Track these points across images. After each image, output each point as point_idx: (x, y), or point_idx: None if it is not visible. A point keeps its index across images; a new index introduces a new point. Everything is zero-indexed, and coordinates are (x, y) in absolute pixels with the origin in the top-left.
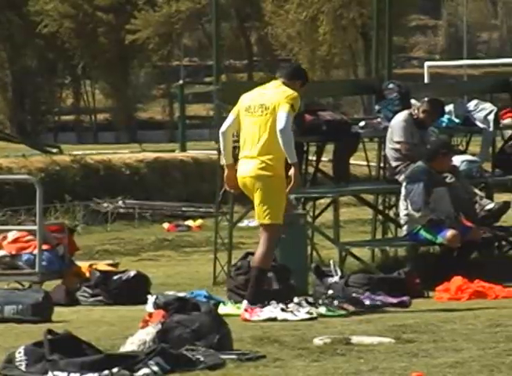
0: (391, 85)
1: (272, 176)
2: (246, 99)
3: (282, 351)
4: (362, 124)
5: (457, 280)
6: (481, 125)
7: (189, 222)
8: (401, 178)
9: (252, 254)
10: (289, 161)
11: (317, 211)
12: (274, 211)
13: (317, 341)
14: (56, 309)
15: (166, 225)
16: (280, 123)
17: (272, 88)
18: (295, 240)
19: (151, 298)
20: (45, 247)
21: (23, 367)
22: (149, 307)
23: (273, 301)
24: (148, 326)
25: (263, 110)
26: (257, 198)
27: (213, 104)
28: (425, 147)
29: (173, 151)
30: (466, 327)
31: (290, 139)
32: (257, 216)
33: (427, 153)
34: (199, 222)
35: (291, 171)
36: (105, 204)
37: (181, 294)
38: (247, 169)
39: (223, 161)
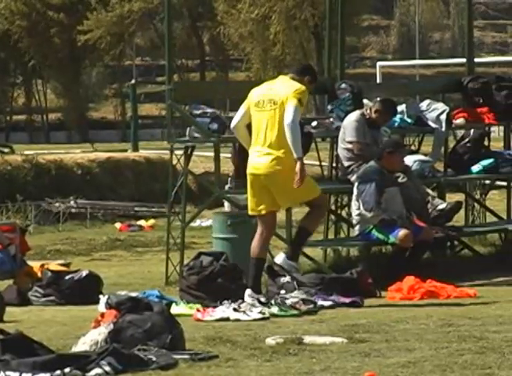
0: (343, 85)
1: (285, 170)
2: (256, 94)
3: (234, 351)
4: (314, 123)
5: (409, 280)
6: (433, 125)
7: (142, 222)
8: (353, 178)
9: (205, 254)
10: (294, 156)
11: None
12: (313, 188)
13: (269, 340)
14: (8, 309)
15: (118, 225)
16: (288, 117)
17: (280, 83)
18: (247, 240)
19: (103, 298)
20: None
21: None
22: (101, 307)
23: (226, 301)
24: (100, 326)
25: (271, 104)
26: (278, 192)
27: (165, 104)
28: (377, 147)
29: (125, 151)
30: (418, 326)
31: (297, 134)
32: (298, 199)
33: (378, 153)
34: (151, 221)
35: (297, 167)
36: (57, 204)
37: (133, 294)
38: (260, 165)
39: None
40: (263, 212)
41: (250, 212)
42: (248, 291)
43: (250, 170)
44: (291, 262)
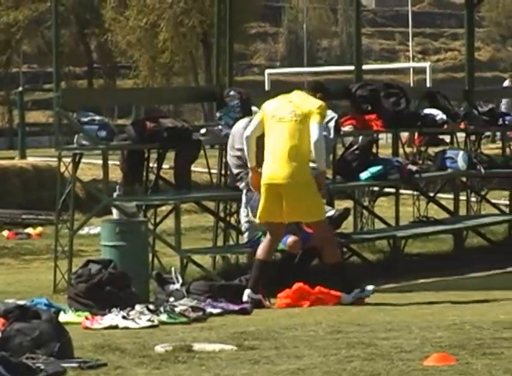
0: (231, 92)
1: (308, 180)
2: (272, 107)
3: (123, 359)
4: (203, 131)
5: (298, 287)
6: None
7: (29, 230)
8: (242, 185)
9: (93, 261)
10: (319, 170)
11: (158, 219)
12: (320, 209)
13: (159, 348)
14: None
15: (5, 232)
16: (314, 135)
17: (297, 96)
18: (136, 248)
19: None
20: None
21: None
22: None
23: (114, 309)
24: None
25: (292, 115)
26: (296, 202)
27: (53, 111)
28: None
29: (12, 158)
30: (307, 333)
31: (323, 150)
32: (301, 217)
33: None
34: (39, 229)
35: (320, 178)
36: None
37: (21, 302)
38: (279, 176)
39: (249, 164)
40: (273, 220)
41: (259, 220)
42: (247, 291)
43: (267, 180)
44: (352, 294)
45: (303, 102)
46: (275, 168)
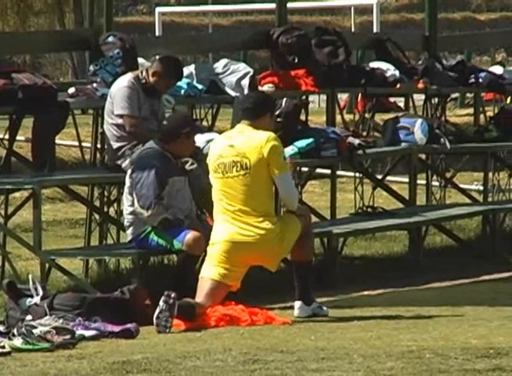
0: (110, 38)
1: (274, 235)
2: (214, 156)
3: None
4: (71, 90)
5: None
6: (232, 93)
7: None
8: (125, 163)
9: None
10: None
11: (10, 209)
12: (295, 229)
13: None
14: None
15: None
16: (284, 191)
17: (239, 135)
18: None
19: None
20: None
21: None
22: None
23: None
24: None
25: (238, 169)
26: (270, 258)
27: None
28: (157, 122)
29: None
30: (213, 363)
31: (295, 198)
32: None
33: (163, 133)
34: None
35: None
36: None
37: None
38: (246, 239)
39: None
40: (236, 288)
41: (220, 279)
42: None
43: (228, 238)
44: (311, 307)
45: (246, 143)
46: (239, 231)
